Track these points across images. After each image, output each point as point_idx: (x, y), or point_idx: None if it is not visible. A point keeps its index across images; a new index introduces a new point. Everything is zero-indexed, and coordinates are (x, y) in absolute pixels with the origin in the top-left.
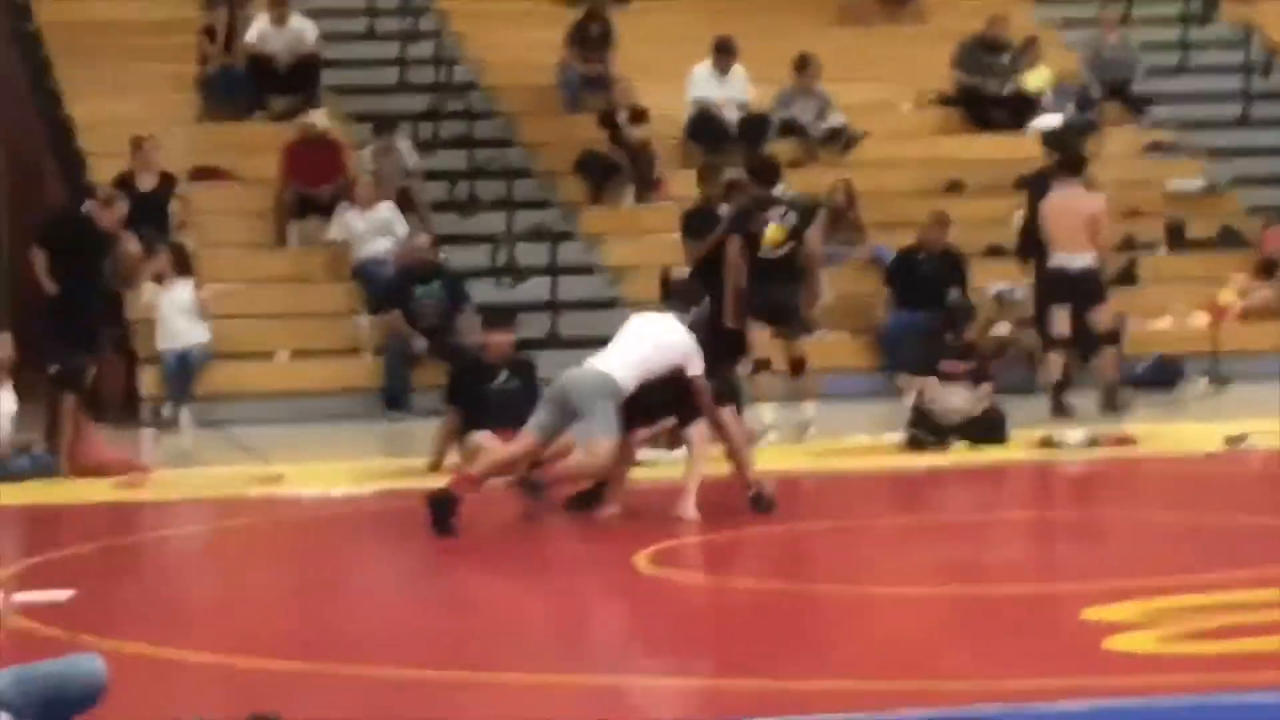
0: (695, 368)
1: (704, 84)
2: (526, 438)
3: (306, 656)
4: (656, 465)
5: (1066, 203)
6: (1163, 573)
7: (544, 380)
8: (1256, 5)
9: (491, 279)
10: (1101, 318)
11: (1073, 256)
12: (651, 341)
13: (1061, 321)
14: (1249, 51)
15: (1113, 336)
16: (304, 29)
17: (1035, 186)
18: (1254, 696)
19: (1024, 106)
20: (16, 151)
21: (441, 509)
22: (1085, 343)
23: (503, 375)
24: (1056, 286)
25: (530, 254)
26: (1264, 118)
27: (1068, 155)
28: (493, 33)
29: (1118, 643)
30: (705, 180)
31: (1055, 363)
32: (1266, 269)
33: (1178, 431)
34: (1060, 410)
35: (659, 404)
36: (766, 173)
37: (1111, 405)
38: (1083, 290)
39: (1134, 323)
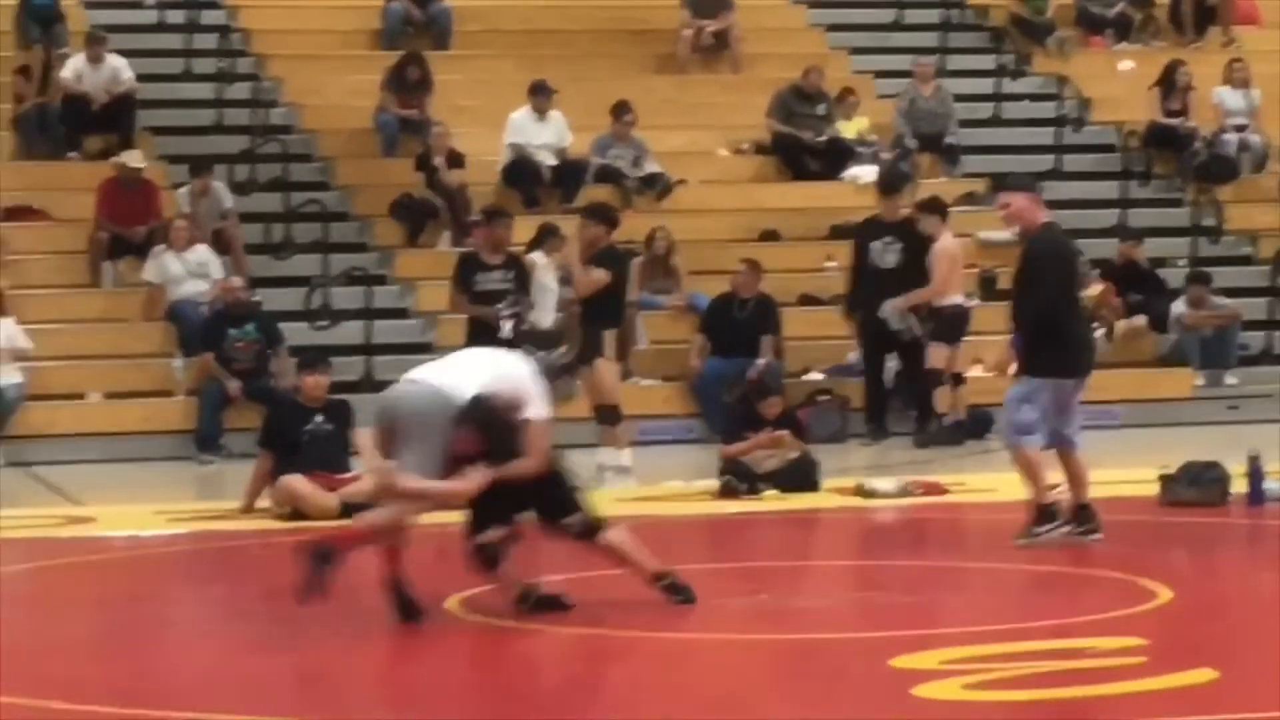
0: (535, 410)
1: (521, 129)
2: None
3: (118, 702)
4: None
5: (953, 245)
6: (971, 622)
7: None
8: (1069, 59)
9: (306, 322)
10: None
11: (961, 297)
12: (491, 369)
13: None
14: (1061, 104)
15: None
16: (120, 68)
17: (862, 234)
18: None
19: (839, 156)
20: None
21: (320, 562)
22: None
23: (317, 418)
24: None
25: (345, 297)
26: (1076, 170)
27: (934, 199)
28: (310, 76)
29: (925, 690)
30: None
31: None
32: None
33: (988, 481)
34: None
35: (512, 493)
36: (607, 215)
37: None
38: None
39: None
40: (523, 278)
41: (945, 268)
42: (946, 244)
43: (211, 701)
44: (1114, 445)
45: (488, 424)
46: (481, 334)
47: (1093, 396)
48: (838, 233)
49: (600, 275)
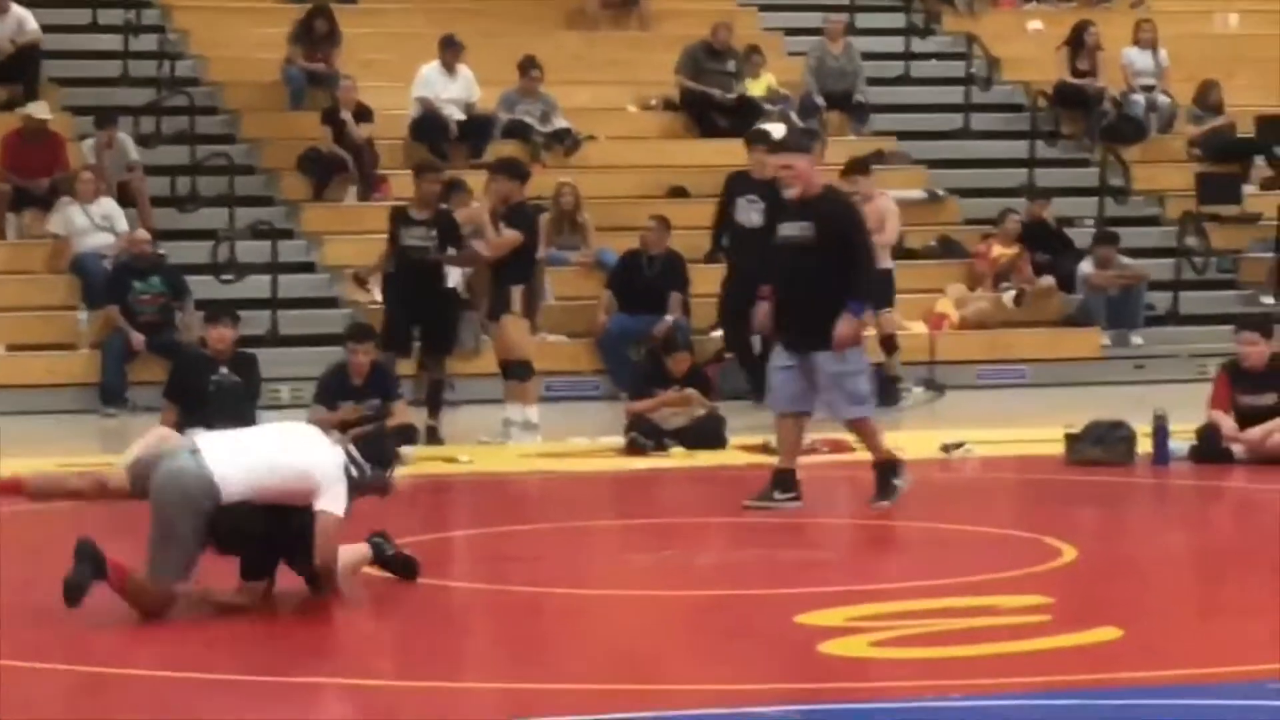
0: (331, 502)
1: (430, 83)
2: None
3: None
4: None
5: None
6: (876, 579)
7: (266, 380)
8: (978, 18)
9: (212, 275)
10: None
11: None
12: (274, 457)
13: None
14: (970, 64)
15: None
16: (25, 18)
17: (730, 189)
18: (964, 701)
19: (748, 113)
20: None
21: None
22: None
23: (223, 370)
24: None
25: (251, 251)
26: (984, 129)
27: (859, 160)
28: (217, 28)
29: (831, 647)
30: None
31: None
32: (982, 280)
33: (894, 439)
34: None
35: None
36: (519, 171)
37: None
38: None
39: None
40: (447, 234)
41: (895, 226)
42: (889, 203)
43: (112, 653)
44: (1021, 404)
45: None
46: (403, 279)
47: (1000, 355)
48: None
49: (513, 236)
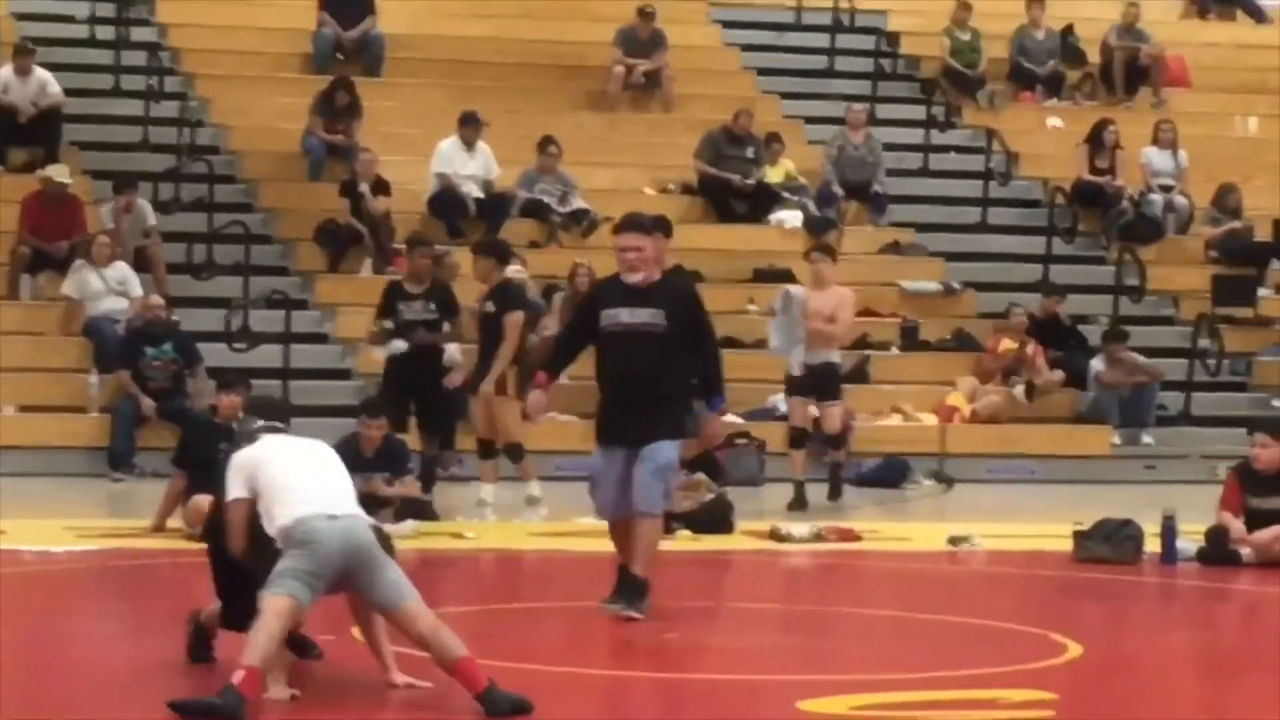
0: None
1: (449, 159)
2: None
3: (24, 716)
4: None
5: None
6: (880, 669)
7: None
8: (998, 113)
9: (224, 343)
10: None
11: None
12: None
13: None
14: (989, 158)
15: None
16: (48, 81)
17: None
18: None
19: (766, 200)
20: None
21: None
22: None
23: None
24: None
25: (265, 321)
26: (1001, 223)
27: (827, 242)
28: (238, 97)
29: None
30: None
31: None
32: (992, 375)
33: (902, 530)
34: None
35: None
36: (499, 251)
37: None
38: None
39: (863, 421)
40: (446, 306)
41: (849, 318)
42: (847, 293)
43: (112, 713)
44: (1030, 500)
45: None
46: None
47: (1011, 450)
48: (761, 276)
49: (516, 319)
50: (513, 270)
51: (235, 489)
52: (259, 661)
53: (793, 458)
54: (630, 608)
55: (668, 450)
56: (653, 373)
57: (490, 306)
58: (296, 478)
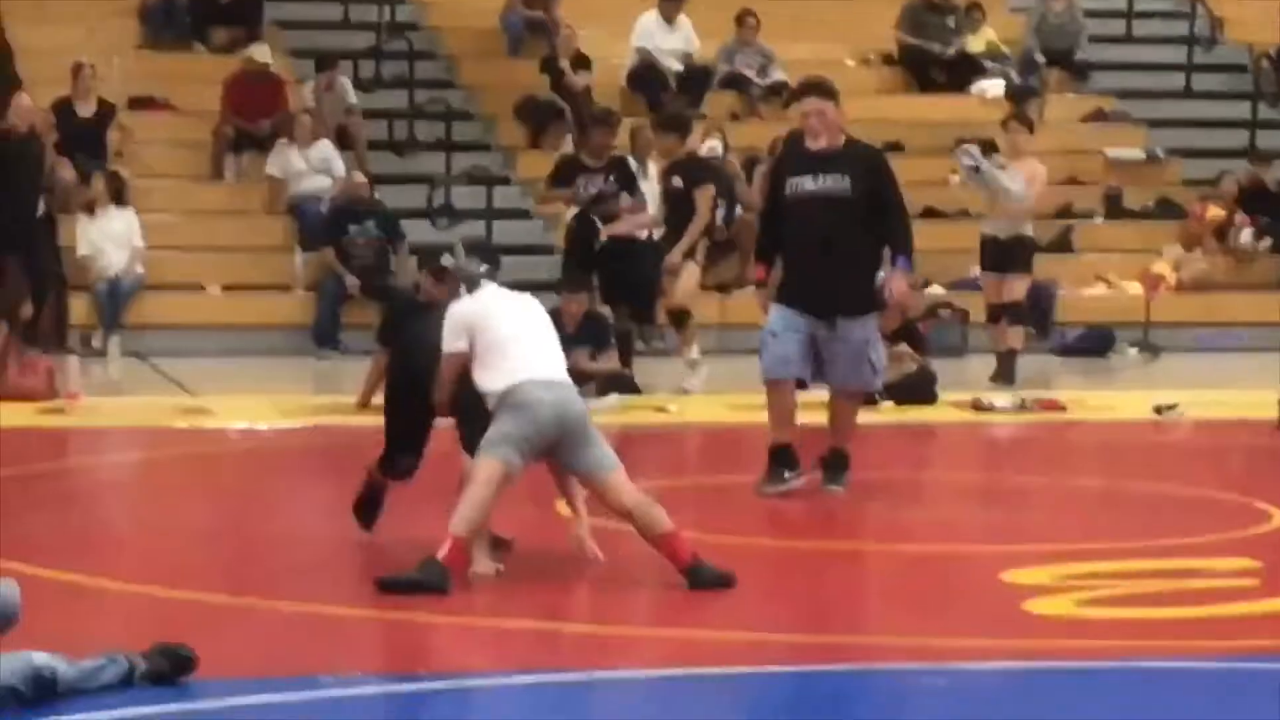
0: None
1: (649, 33)
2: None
3: (226, 590)
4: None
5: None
6: (1084, 539)
7: None
8: None
9: (427, 220)
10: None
11: None
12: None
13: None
14: (1193, 23)
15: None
16: None
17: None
18: (1171, 663)
19: (967, 69)
20: None
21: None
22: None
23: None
24: None
25: (467, 197)
26: (1205, 90)
27: (1025, 113)
28: None
29: (1037, 605)
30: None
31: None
32: (1200, 240)
33: (1107, 399)
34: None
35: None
36: (679, 125)
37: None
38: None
39: (1067, 290)
40: (626, 181)
41: (1040, 191)
42: (1039, 166)
43: (314, 593)
44: (1236, 368)
45: None
46: (582, 227)
47: (1216, 319)
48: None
49: (708, 195)
50: (706, 147)
51: (454, 340)
52: (465, 532)
53: (992, 331)
54: (832, 483)
55: (867, 326)
56: (839, 240)
57: (678, 181)
58: (516, 340)
